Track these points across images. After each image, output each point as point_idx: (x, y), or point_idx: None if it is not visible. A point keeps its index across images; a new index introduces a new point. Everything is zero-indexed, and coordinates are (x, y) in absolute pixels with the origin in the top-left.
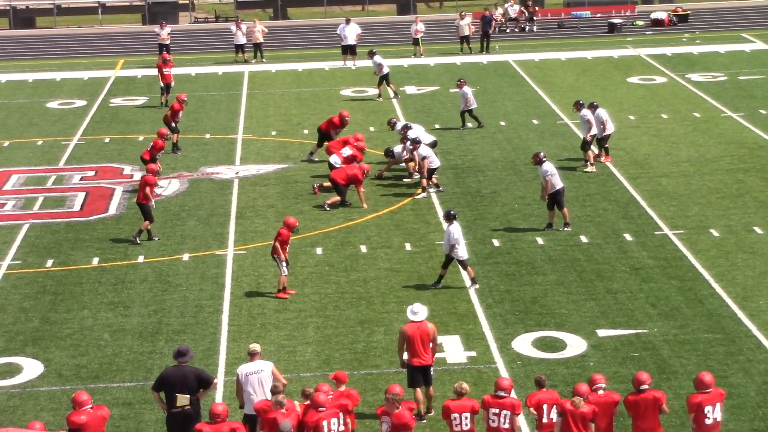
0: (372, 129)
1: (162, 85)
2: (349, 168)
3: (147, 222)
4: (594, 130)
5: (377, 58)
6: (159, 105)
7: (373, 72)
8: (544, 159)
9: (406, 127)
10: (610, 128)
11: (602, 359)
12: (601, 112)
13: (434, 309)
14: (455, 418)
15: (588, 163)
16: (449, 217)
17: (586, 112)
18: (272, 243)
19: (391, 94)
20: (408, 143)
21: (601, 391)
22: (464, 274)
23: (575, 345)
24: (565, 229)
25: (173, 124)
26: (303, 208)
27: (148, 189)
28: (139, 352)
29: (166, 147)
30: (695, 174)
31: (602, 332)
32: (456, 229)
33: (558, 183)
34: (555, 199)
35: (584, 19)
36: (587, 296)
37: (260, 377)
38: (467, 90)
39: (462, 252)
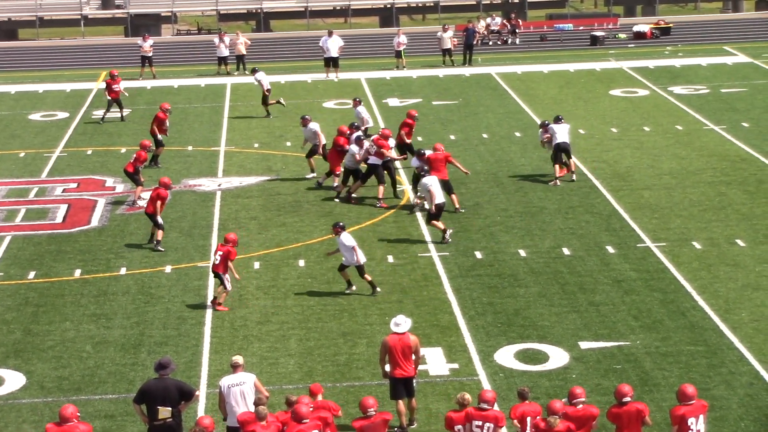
0: None
1: (108, 98)
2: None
3: (161, 231)
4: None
5: (259, 75)
6: (119, 120)
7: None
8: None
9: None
10: (557, 138)
11: (585, 371)
12: (555, 126)
13: (417, 321)
14: (459, 430)
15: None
16: (338, 228)
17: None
18: (217, 260)
19: (266, 113)
20: (367, 144)
21: (580, 405)
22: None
23: (558, 357)
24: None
25: (159, 137)
26: (286, 220)
27: (159, 203)
28: (121, 364)
29: (148, 158)
30: (677, 186)
31: (585, 344)
32: (346, 238)
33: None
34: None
35: (567, 32)
36: (570, 308)
37: (242, 389)
38: (361, 110)
39: (360, 258)
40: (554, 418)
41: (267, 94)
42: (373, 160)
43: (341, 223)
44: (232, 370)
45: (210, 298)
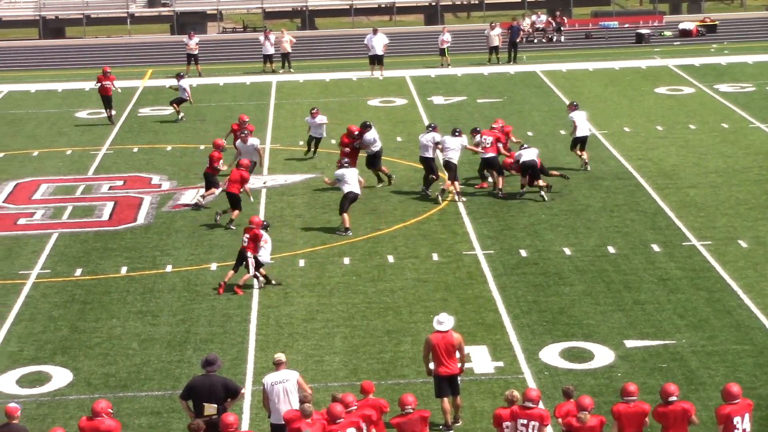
0: (399, 139)
1: (102, 97)
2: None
3: (237, 212)
4: (576, 132)
5: (183, 82)
6: (106, 122)
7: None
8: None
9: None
10: (578, 132)
11: (630, 370)
12: (574, 114)
13: (461, 319)
14: (507, 427)
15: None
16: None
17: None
18: (245, 241)
19: (179, 115)
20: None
21: (632, 402)
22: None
23: (603, 356)
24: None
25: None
26: (330, 218)
27: (246, 187)
28: (167, 361)
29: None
30: (723, 185)
31: (630, 343)
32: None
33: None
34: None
35: (612, 30)
36: (615, 307)
37: (285, 387)
38: (320, 119)
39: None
40: (584, 414)
41: (186, 99)
42: (428, 153)
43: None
44: (275, 368)
45: (256, 295)
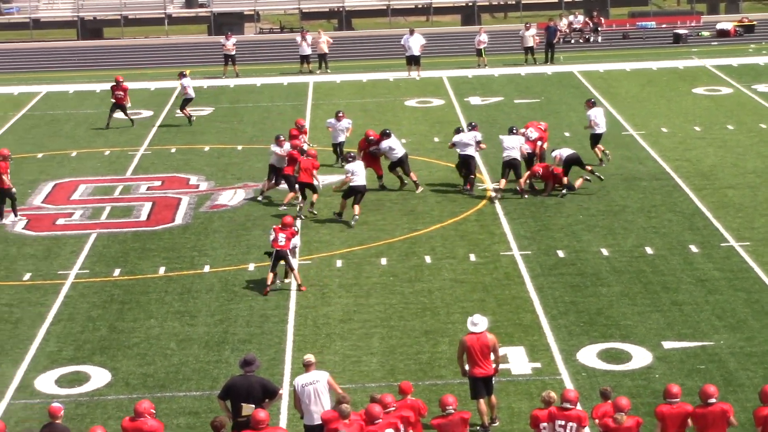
0: (436, 140)
1: (113, 102)
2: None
3: (317, 195)
4: (596, 129)
5: (185, 81)
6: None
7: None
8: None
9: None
10: (598, 129)
11: (668, 371)
12: (592, 111)
13: (498, 320)
14: (544, 428)
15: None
16: None
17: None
18: (282, 241)
19: (190, 119)
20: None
21: (675, 403)
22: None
23: (641, 357)
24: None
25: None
26: (368, 219)
27: (316, 173)
28: (205, 362)
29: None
30: (762, 185)
31: (668, 344)
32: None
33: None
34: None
35: (649, 30)
36: (652, 308)
37: (316, 387)
38: (346, 122)
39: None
40: (621, 415)
41: (191, 98)
42: (469, 151)
43: None
44: (305, 369)
45: (293, 295)
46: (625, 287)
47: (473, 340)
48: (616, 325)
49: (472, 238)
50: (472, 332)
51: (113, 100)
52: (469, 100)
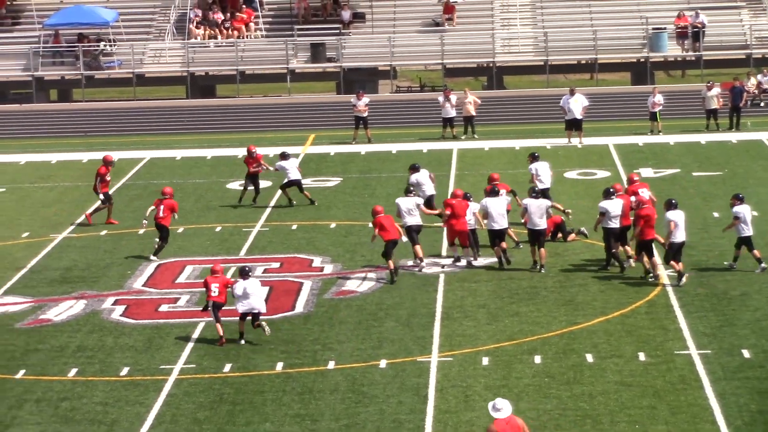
0: None
1: (101, 195)
2: None
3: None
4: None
5: (287, 163)
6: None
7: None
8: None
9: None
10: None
11: None
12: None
13: (673, 430)
14: None
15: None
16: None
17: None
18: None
19: (291, 202)
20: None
21: None
22: None
23: None
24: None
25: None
26: (519, 309)
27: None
28: None
29: None
30: None
31: None
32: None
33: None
34: None
35: None
36: None
37: None
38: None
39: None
40: None
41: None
42: None
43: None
44: None
45: (432, 398)
46: None
47: (502, 425)
48: None
49: (642, 333)
50: (497, 419)
51: (101, 193)
52: (640, 172)
